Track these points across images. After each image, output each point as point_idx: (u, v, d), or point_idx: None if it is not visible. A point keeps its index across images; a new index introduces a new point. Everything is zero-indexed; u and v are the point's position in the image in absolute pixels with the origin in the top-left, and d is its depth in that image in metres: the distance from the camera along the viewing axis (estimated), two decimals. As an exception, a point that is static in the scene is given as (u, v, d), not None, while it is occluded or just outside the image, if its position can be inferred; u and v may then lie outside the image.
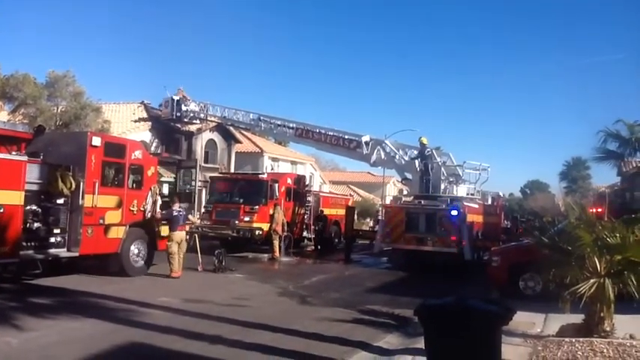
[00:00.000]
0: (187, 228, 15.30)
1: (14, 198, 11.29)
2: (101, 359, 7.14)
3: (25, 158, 11.77)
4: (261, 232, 21.62)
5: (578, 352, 7.19)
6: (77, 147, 13.07)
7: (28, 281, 12.43)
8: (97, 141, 13.17)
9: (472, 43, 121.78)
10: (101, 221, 13.20)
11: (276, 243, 20.44)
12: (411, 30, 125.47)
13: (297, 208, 24.42)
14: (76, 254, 12.80)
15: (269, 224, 20.90)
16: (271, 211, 20.98)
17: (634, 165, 30.01)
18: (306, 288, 14.15)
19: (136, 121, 31.13)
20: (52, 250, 12.45)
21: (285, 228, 21.07)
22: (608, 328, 8.05)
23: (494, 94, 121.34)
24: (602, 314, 8.06)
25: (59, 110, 25.07)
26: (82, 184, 12.73)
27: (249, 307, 11.14)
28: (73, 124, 24.42)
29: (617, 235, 8.06)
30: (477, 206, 21.97)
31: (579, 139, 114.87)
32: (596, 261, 8.08)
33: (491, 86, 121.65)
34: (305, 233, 25.29)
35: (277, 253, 20.41)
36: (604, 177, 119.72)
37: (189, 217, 15.65)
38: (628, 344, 7.50)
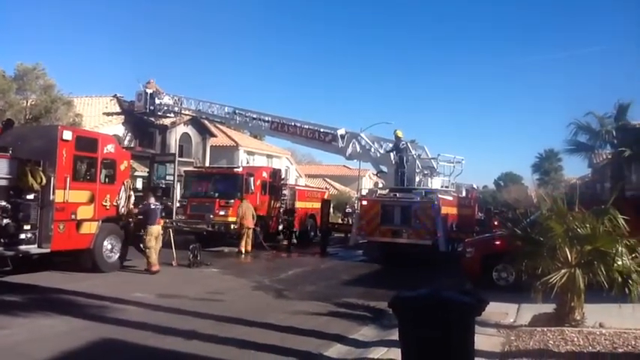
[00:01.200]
0: (162, 222, 15.12)
1: (-18, 194, 11.05)
2: (74, 356, 7.04)
3: (-7, 153, 11.52)
4: (236, 226, 21.52)
5: (550, 341, 7.31)
6: (47, 141, 12.81)
7: (-2, 278, 12.20)
8: (68, 135, 12.93)
9: (445, 36, 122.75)
10: (73, 216, 12.99)
11: (244, 237, 20.12)
12: (384, 22, 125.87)
13: (272, 202, 24.38)
14: (48, 250, 12.57)
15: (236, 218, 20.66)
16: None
17: (604, 157, 30.60)
18: (281, 281, 14.14)
19: (108, 115, 30.71)
20: (23, 247, 12.19)
21: (254, 221, 20.90)
22: (578, 317, 8.22)
23: (468, 87, 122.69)
24: (572, 304, 8.22)
25: (29, 104, 24.62)
26: (52, 179, 12.49)
27: (224, 301, 11.10)
28: (44, 117, 23.99)
29: (588, 225, 8.22)
30: (451, 198, 22.15)
31: (552, 132, 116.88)
32: (567, 251, 8.22)
33: (465, 79, 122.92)
34: (281, 227, 25.24)
35: (243, 248, 20.03)
36: (576, 169, 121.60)
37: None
38: (597, 332, 7.67)
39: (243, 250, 19.97)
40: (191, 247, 16.19)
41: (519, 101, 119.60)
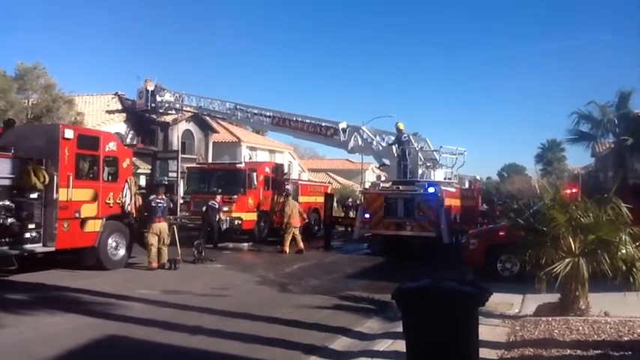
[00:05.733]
0: (163, 220, 14.78)
1: (-14, 194, 11.07)
2: (80, 354, 7.07)
3: (-4, 153, 11.54)
4: (240, 222, 21.57)
5: (555, 331, 7.32)
6: (49, 140, 12.81)
7: (3, 278, 12.18)
8: (69, 133, 12.93)
9: (446, 28, 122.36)
10: (77, 215, 13.01)
11: (287, 237, 19.47)
12: (385, 16, 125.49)
13: (275, 197, 24.38)
14: (52, 249, 12.61)
15: (283, 217, 20.09)
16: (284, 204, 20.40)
17: (607, 146, 30.55)
18: (286, 276, 14.17)
19: (110, 113, 30.71)
20: (27, 246, 12.23)
21: (304, 217, 20.60)
22: (583, 306, 8.23)
23: (470, 78, 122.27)
24: (577, 293, 8.23)
25: (30, 103, 24.62)
26: (55, 177, 12.50)
27: (229, 296, 11.12)
28: (45, 116, 23.99)
29: (590, 215, 8.20)
30: (454, 190, 22.16)
31: (555, 121, 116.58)
32: (571, 241, 8.22)
33: (466, 70, 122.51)
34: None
35: (287, 248, 19.33)
36: (579, 158, 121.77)
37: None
38: (602, 321, 7.67)
39: (287, 251, 19.25)
40: (195, 243, 16.22)
41: (522, 92, 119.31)
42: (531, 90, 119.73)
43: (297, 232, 19.67)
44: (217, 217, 19.33)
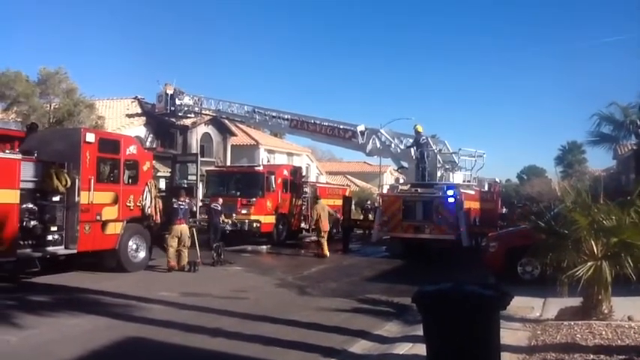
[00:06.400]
0: (183, 222, 14.81)
1: (10, 197, 11.27)
2: (101, 355, 7.14)
3: (20, 156, 11.72)
4: (258, 224, 21.67)
5: (577, 335, 7.22)
6: (71, 144, 13.00)
7: (26, 279, 12.40)
8: (90, 137, 13.12)
9: (465, 30, 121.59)
10: (98, 217, 13.17)
11: (323, 241, 19.21)
12: (404, 19, 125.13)
13: (294, 200, 24.44)
14: (74, 251, 12.78)
15: (314, 220, 19.85)
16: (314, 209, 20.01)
17: (629, 148, 30.07)
18: (304, 279, 14.17)
19: (130, 117, 31.03)
20: (50, 248, 12.42)
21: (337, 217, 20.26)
22: (606, 311, 8.10)
23: (489, 80, 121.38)
24: (599, 297, 8.10)
25: (52, 107, 24.95)
26: (77, 180, 12.68)
27: (249, 299, 11.17)
28: (67, 121, 24.29)
29: (613, 217, 8.07)
30: (473, 193, 22.00)
31: (575, 123, 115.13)
32: (593, 244, 8.10)
33: (485, 72, 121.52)
34: (303, 224, 25.28)
35: (326, 251, 19.07)
36: (600, 160, 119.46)
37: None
38: (626, 326, 7.55)
39: (328, 254, 19.01)
40: (214, 245, 16.31)
41: (542, 94, 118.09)
42: (552, 92, 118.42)
43: (325, 236, 19.57)
44: (219, 219, 19.35)
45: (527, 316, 8.81)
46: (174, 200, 14.75)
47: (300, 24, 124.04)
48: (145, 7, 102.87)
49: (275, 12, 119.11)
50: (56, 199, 12.52)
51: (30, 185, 12.16)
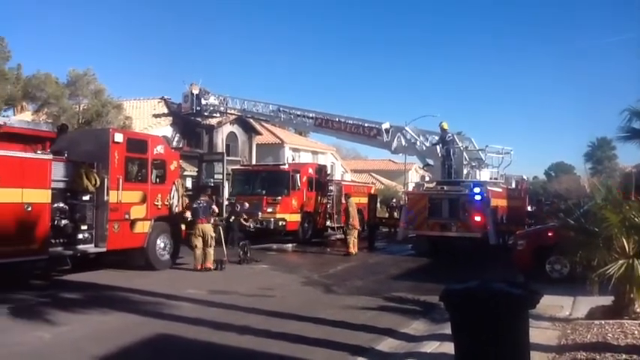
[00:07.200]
0: (205, 221, 14.71)
1: (41, 196, 11.49)
2: (131, 351, 7.26)
3: (50, 157, 11.95)
4: (284, 223, 21.76)
5: (609, 335, 7.11)
6: (100, 144, 13.23)
7: (58, 277, 12.64)
8: (119, 137, 13.32)
9: (493, 26, 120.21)
10: (127, 216, 13.37)
11: (350, 238, 19.29)
12: (428, 17, 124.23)
13: (319, 198, 24.47)
14: (104, 249, 13.00)
15: (344, 218, 19.97)
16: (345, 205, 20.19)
17: (661, 143, 29.43)
18: (330, 277, 14.19)
19: (156, 117, 31.40)
20: (80, 246, 12.67)
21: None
22: (638, 310, 7.96)
23: (516, 76, 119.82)
24: (631, 295, 7.96)
25: (81, 108, 25.40)
26: (106, 180, 12.90)
27: (275, 297, 11.22)
28: (95, 121, 24.70)
29: (645, 215, 7.93)
30: (500, 190, 21.77)
31: (604, 120, 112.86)
32: (624, 241, 7.96)
33: (512, 68, 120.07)
34: (328, 222, 25.31)
35: (352, 249, 19.10)
36: (631, 157, 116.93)
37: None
38: (659, 325, 7.40)
39: (355, 251, 19.18)
40: (241, 243, 16.42)
41: (569, 89, 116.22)
42: (580, 87, 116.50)
43: (355, 234, 19.58)
44: (238, 219, 19.34)
45: (557, 315, 8.69)
46: (200, 201, 14.85)
47: (329, 22, 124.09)
48: (172, 8, 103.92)
49: (296, 5, 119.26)
50: (86, 198, 12.77)
51: (61, 185, 12.40)
